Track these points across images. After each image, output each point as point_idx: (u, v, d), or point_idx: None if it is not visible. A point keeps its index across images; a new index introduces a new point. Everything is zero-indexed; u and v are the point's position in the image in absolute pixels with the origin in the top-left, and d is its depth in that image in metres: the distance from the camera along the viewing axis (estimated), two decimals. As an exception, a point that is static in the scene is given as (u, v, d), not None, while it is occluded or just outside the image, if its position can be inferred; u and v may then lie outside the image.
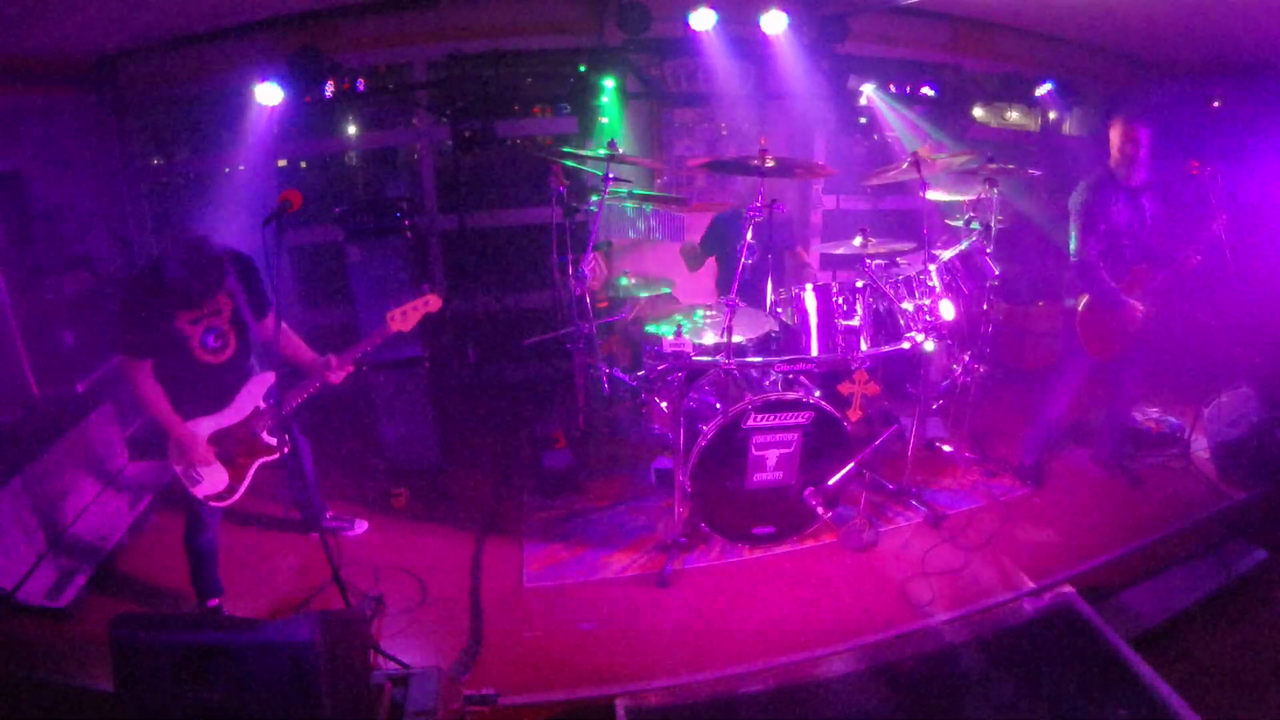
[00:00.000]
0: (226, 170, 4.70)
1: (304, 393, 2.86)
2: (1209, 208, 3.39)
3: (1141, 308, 3.47)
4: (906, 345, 3.42)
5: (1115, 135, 3.41)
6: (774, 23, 4.38)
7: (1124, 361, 3.66)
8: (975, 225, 3.87)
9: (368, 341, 2.86)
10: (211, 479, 2.83)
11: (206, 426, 2.80)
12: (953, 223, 4.26)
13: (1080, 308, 3.56)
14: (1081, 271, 3.50)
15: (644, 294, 4.19)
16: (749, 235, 3.21)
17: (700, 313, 3.63)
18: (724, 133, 5.30)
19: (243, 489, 2.91)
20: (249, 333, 2.86)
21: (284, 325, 2.95)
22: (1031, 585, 3.12)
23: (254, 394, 2.86)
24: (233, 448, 2.85)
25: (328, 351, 2.89)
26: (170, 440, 2.76)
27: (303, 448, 3.27)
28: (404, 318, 2.83)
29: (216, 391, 2.80)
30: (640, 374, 3.79)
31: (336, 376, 2.84)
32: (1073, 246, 3.51)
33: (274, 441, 2.92)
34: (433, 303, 2.88)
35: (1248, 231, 3.52)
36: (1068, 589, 3.00)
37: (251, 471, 2.92)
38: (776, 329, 3.56)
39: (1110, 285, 3.46)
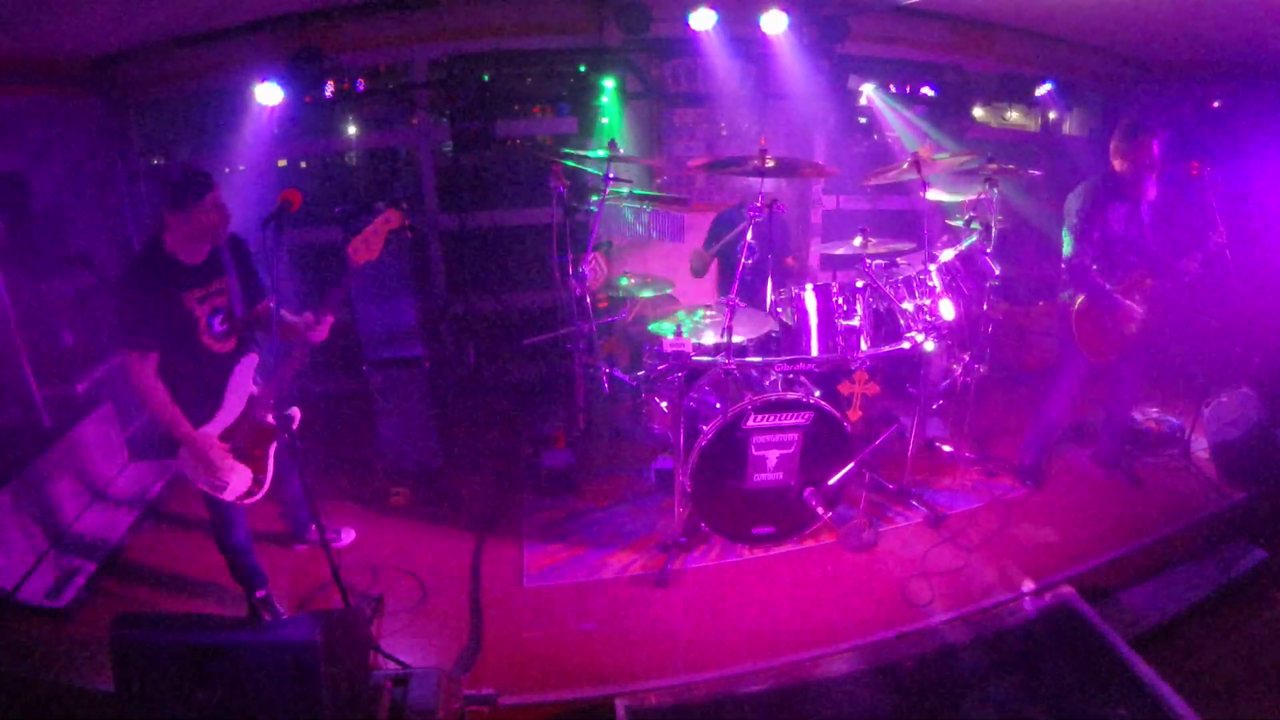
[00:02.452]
0: (226, 170, 4.70)
1: (296, 363, 2.69)
2: (1209, 216, 3.37)
3: (1139, 310, 3.46)
4: (906, 345, 3.42)
5: (1127, 146, 3.35)
6: (774, 23, 4.38)
7: (1122, 363, 3.66)
8: (975, 225, 3.87)
9: (340, 288, 2.63)
10: (236, 480, 2.75)
11: (214, 427, 2.71)
12: (953, 223, 4.27)
13: (1075, 309, 3.55)
14: (1073, 275, 3.50)
15: (644, 294, 4.19)
16: (749, 235, 3.22)
17: (700, 313, 3.62)
18: (724, 133, 5.30)
19: (269, 479, 2.84)
20: (241, 322, 2.76)
21: (273, 306, 2.80)
22: (1031, 585, 3.12)
23: (244, 380, 2.75)
24: (244, 441, 2.76)
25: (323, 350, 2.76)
26: (184, 451, 2.66)
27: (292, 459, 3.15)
28: (367, 245, 2.57)
29: (217, 388, 2.70)
30: (640, 374, 3.79)
31: (319, 334, 2.63)
32: (1066, 250, 3.51)
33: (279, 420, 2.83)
34: (393, 218, 2.61)
35: (1247, 232, 3.52)
36: (1068, 589, 3.00)
37: (271, 458, 2.85)
38: (776, 329, 3.56)
39: (1104, 287, 3.46)
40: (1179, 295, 3.65)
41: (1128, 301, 3.47)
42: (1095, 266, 3.48)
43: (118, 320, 2.54)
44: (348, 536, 3.60)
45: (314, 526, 3.44)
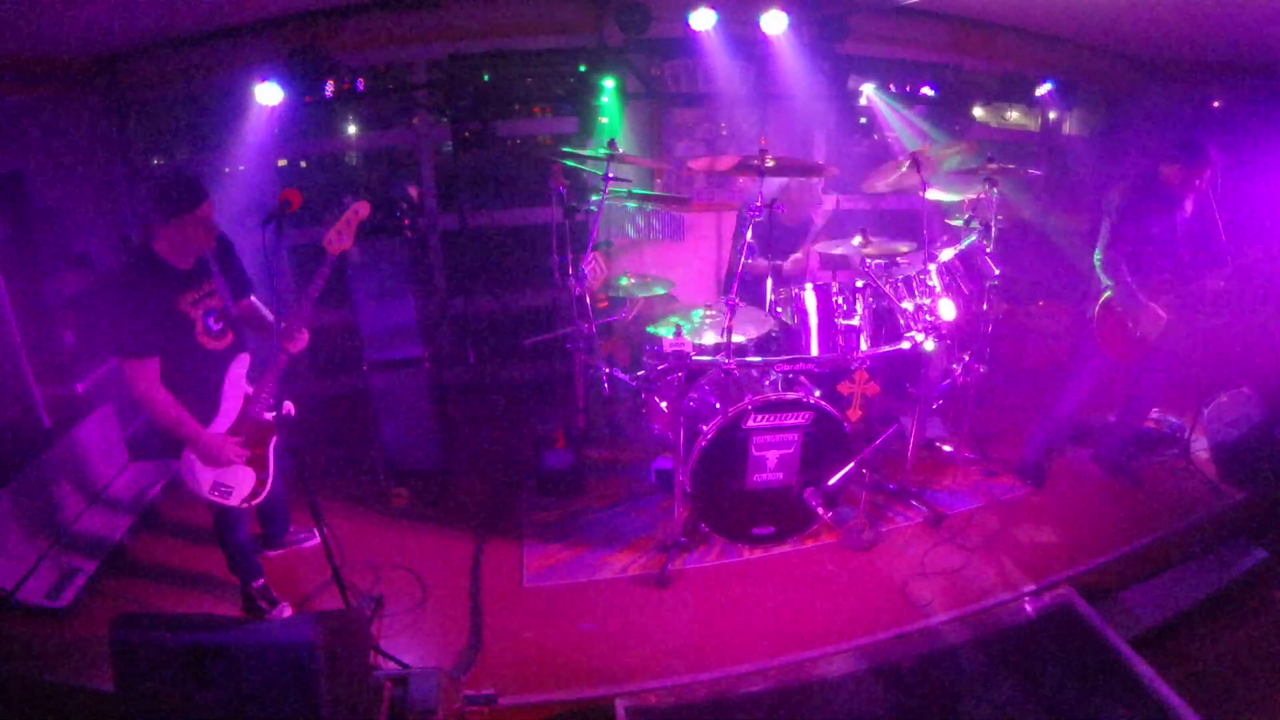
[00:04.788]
0: (226, 170, 4.70)
1: (280, 367, 2.68)
2: (1210, 217, 3.37)
3: (1163, 315, 3.45)
4: (906, 345, 3.42)
5: (1186, 163, 3.33)
6: (774, 23, 4.38)
7: (1144, 367, 3.65)
8: (975, 225, 3.87)
9: (316, 282, 2.61)
10: (241, 482, 2.76)
11: (217, 428, 2.70)
12: (953, 223, 4.26)
13: (1098, 307, 3.54)
14: (1106, 269, 3.48)
15: (644, 294, 4.19)
16: (749, 235, 3.22)
17: (700, 313, 3.62)
18: (724, 133, 5.30)
19: (271, 477, 2.84)
20: (235, 319, 2.78)
21: (257, 302, 2.91)
22: (1031, 585, 3.12)
23: (237, 381, 2.75)
24: (246, 440, 2.75)
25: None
26: (188, 457, 2.64)
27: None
28: (339, 237, 2.63)
29: (214, 387, 2.70)
30: (640, 374, 3.78)
31: (296, 344, 2.66)
32: (1100, 244, 3.50)
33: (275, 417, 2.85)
34: (361, 209, 2.68)
35: (1247, 231, 3.51)
36: (1068, 589, 3.00)
37: (271, 457, 2.84)
38: (776, 329, 3.56)
39: (1131, 285, 3.44)
40: (1203, 307, 3.64)
41: (1153, 305, 3.45)
42: (1125, 265, 3.47)
43: (113, 329, 2.49)
44: (315, 539, 3.53)
45: (289, 533, 3.48)
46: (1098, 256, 3.51)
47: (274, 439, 2.85)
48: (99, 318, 2.53)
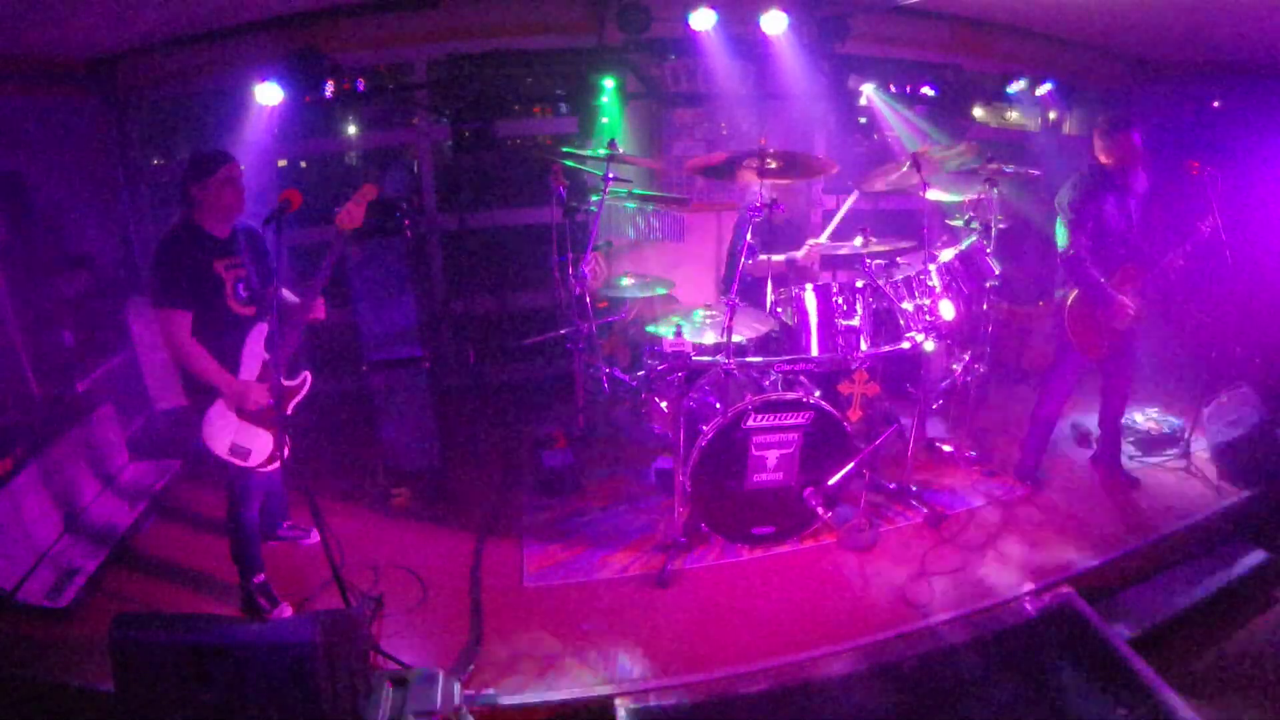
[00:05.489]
0: (226, 170, 4.71)
1: (297, 332, 2.94)
2: (1200, 210, 3.40)
3: (1131, 305, 3.47)
4: (906, 345, 3.42)
5: (1109, 141, 3.40)
6: (774, 23, 4.38)
7: (1116, 359, 3.67)
8: (975, 225, 3.87)
9: (329, 257, 2.86)
10: (258, 444, 2.90)
11: None
12: (953, 223, 4.27)
13: (1069, 304, 3.57)
14: (1070, 267, 3.52)
15: (644, 294, 4.19)
16: (749, 235, 3.22)
17: (700, 313, 3.63)
18: (724, 133, 5.31)
19: (287, 443, 2.95)
20: (259, 295, 2.97)
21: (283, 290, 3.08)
22: (1031, 585, 3.12)
23: (256, 349, 2.91)
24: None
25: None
26: (212, 416, 2.80)
27: None
28: (349, 215, 2.86)
29: (236, 349, 2.86)
30: (640, 374, 3.79)
31: (316, 312, 2.95)
32: (1061, 243, 3.53)
33: (295, 382, 3.02)
34: (369, 191, 2.94)
35: (1247, 232, 3.52)
36: (1068, 589, 3.00)
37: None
38: (776, 329, 3.56)
39: (1099, 281, 3.47)
40: (1169, 290, 3.66)
41: (1120, 295, 3.47)
42: (1089, 260, 3.49)
43: (156, 283, 2.76)
44: (314, 537, 3.57)
45: (286, 524, 3.51)
46: (1061, 258, 3.53)
47: (291, 404, 3.00)
48: (147, 275, 2.93)
